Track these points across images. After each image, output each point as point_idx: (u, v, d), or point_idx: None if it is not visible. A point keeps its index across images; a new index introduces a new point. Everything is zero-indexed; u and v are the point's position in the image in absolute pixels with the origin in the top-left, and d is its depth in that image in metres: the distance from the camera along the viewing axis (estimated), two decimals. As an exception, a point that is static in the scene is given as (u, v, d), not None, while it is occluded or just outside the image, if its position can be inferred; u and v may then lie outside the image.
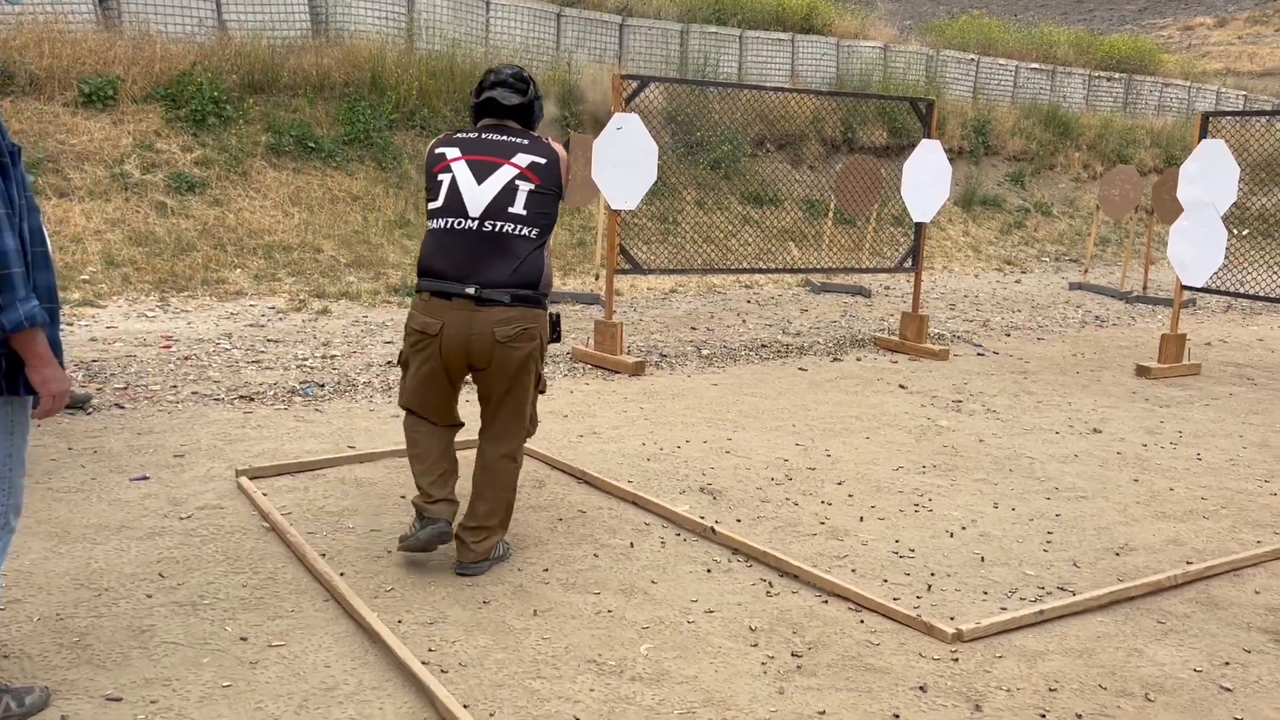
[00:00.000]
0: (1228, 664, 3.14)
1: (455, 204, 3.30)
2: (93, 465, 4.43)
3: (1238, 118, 10.40)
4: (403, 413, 3.61)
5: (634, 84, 7.03)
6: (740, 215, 12.39)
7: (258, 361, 6.42)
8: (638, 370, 6.75)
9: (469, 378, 3.48)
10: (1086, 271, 13.08)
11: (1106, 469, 5.17)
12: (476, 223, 3.27)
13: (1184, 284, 7.66)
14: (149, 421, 5.10)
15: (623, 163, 6.68)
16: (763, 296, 10.35)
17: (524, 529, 3.93)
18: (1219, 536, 4.27)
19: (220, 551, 3.61)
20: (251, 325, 7.42)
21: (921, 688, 2.89)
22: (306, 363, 6.48)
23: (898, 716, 2.74)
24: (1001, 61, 18.60)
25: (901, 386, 6.85)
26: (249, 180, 9.66)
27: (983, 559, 3.90)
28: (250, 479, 4.25)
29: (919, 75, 17.05)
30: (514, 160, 3.35)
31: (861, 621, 3.29)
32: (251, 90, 10.43)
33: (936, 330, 8.98)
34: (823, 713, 2.74)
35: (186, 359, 6.36)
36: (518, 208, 3.29)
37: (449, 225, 3.31)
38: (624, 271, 7.33)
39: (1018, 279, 13.00)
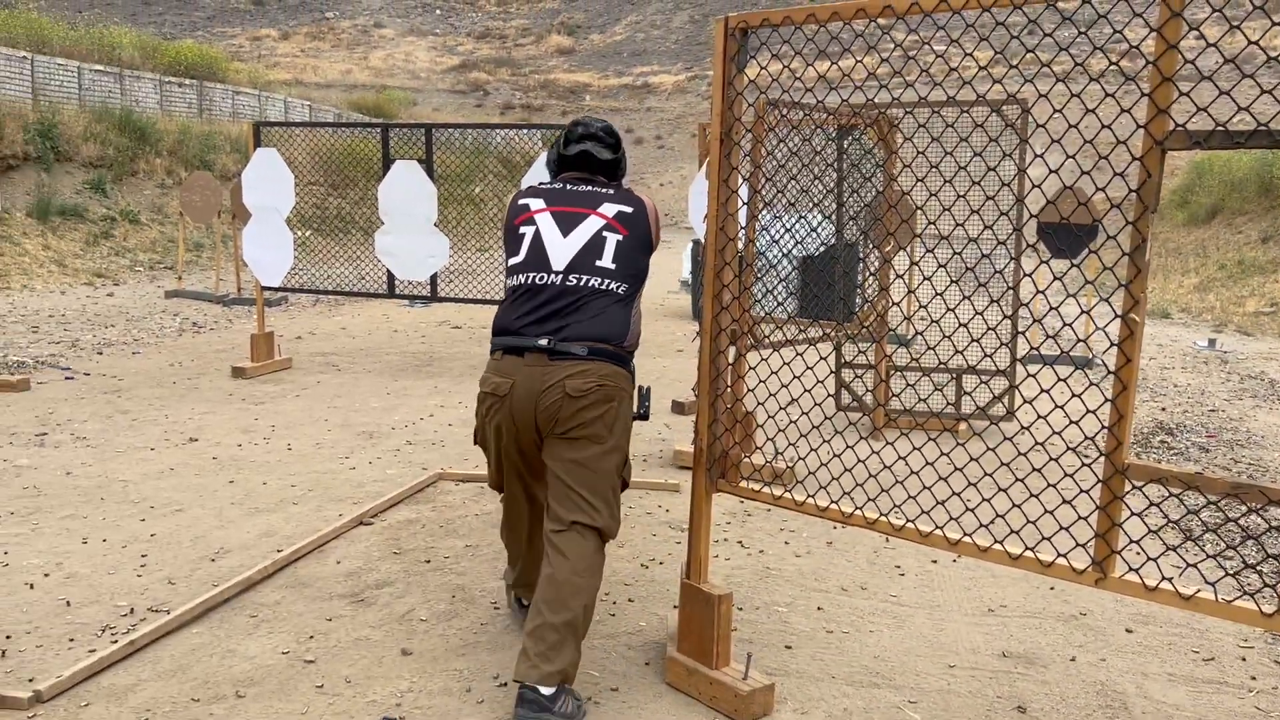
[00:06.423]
0: (311, 637, 3.40)
1: (538, 257, 3.07)
2: None
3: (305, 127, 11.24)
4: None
5: None
6: None
7: None
8: None
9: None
10: (181, 278, 13.04)
11: (202, 476, 5.22)
12: (560, 277, 3.03)
13: (263, 284, 8.08)
14: None
15: None
16: None
17: None
18: (307, 519, 4.61)
19: None
20: None
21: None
22: None
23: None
24: (60, 61, 17.41)
25: (-29, 429, 6.03)
26: None
27: (69, 603, 3.62)
28: None
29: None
30: (600, 210, 3.12)
31: (-87, 721, 2.80)
32: None
33: (16, 358, 8.10)
34: None
35: None
36: (605, 261, 3.05)
37: (530, 280, 3.07)
38: None
39: (110, 292, 12.43)
